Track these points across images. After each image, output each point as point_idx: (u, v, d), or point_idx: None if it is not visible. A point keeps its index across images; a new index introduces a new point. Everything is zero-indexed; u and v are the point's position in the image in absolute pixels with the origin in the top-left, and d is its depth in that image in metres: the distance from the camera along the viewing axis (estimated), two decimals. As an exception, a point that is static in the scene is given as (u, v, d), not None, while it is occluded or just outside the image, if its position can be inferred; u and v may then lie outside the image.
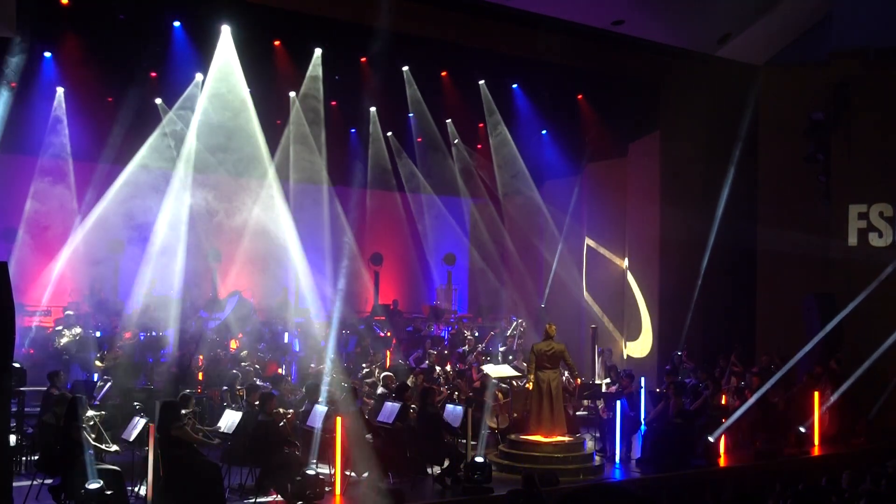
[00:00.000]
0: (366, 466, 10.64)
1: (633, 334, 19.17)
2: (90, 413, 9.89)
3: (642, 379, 14.49)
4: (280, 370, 14.42)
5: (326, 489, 10.11)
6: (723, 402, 14.04)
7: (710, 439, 12.79)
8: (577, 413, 14.20)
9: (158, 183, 16.77)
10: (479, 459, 10.68)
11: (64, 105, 17.35)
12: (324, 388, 11.52)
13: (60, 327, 15.20)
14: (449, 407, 11.89)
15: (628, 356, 19.04)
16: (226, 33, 15.26)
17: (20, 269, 16.44)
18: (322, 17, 14.56)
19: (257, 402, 10.54)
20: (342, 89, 17.52)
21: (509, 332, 17.16)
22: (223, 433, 10.41)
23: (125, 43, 15.14)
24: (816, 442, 13.85)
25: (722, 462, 12.85)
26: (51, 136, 17.37)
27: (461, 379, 13.86)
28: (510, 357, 15.81)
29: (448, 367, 14.17)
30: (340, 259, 17.72)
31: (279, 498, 9.96)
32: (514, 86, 18.59)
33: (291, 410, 10.87)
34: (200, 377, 13.78)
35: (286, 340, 16.64)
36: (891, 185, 15.44)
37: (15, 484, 8.80)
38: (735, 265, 17.05)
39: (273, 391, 11.16)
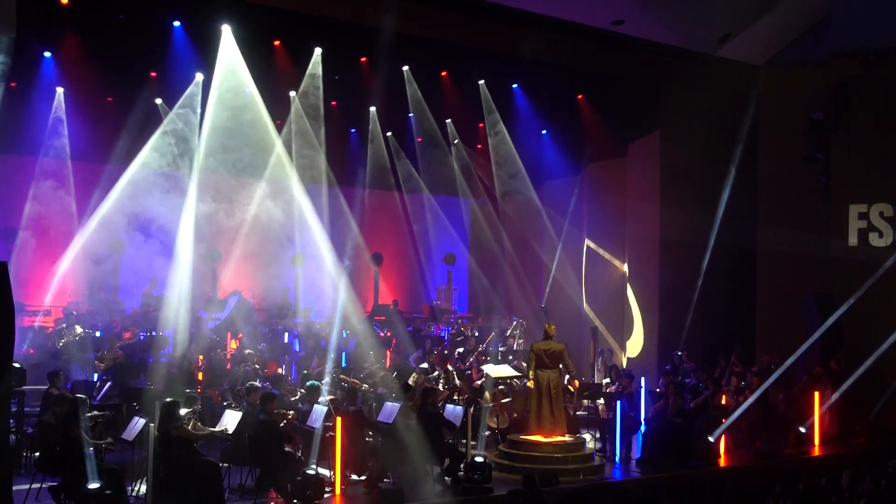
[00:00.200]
0: (366, 466, 10.65)
1: (628, 335, 19.20)
2: (91, 413, 9.88)
3: (642, 379, 14.49)
4: (280, 370, 14.42)
5: (327, 489, 10.12)
6: (723, 402, 14.04)
7: (710, 439, 12.79)
8: (577, 413, 14.19)
9: (162, 183, 16.77)
10: (479, 459, 10.68)
11: (64, 105, 17.35)
12: (325, 389, 11.52)
13: (60, 327, 15.20)
14: (449, 407, 11.90)
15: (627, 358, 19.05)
16: (227, 33, 15.24)
17: (20, 269, 16.44)
18: (322, 17, 14.55)
19: (258, 402, 10.54)
20: (342, 89, 17.51)
21: (509, 332, 17.15)
22: (223, 432, 10.41)
23: (125, 43, 15.14)
24: (816, 442, 13.85)
25: (722, 462, 12.85)
26: (51, 136, 17.38)
27: (461, 379, 13.85)
28: (510, 357, 15.81)
29: (448, 367, 14.16)
30: (342, 259, 17.74)
31: (279, 498, 9.96)
32: (514, 86, 18.59)
33: (292, 412, 10.87)
34: (200, 377, 13.78)
35: (286, 340, 16.64)
36: (891, 185, 15.44)
37: (15, 484, 8.79)
38: (735, 265, 17.05)
39: (273, 391, 11.16)
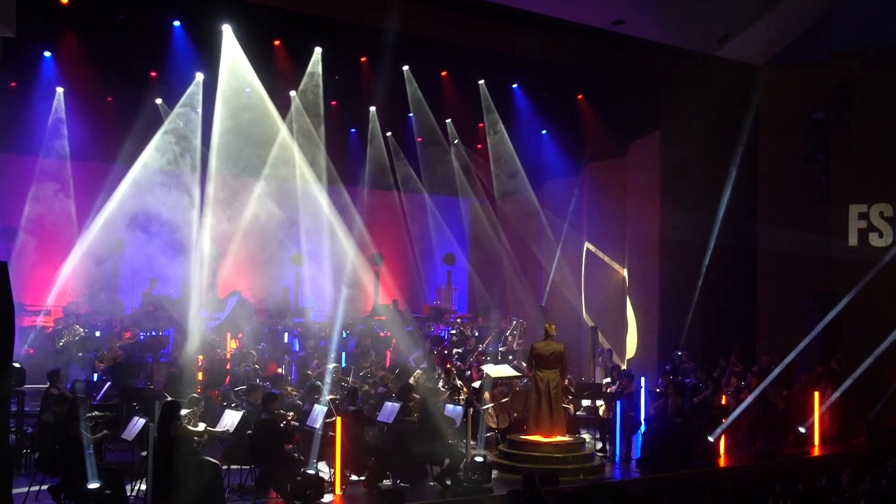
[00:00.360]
0: (366, 466, 10.65)
1: (624, 339, 19.24)
2: (93, 413, 9.88)
3: (642, 379, 14.49)
4: (280, 370, 14.42)
5: (327, 489, 10.12)
6: (723, 402, 14.04)
7: (710, 439, 12.80)
8: (577, 413, 14.20)
9: (165, 182, 16.78)
10: (479, 459, 10.68)
11: (64, 105, 17.35)
12: (325, 388, 11.52)
13: (60, 327, 15.20)
14: (449, 407, 11.89)
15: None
16: (228, 33, 15.24)
17: (20, 269, 16.45)
18: (322, 17, 14.55)
19: (258, 402, 10.54)
20: (342, 89, 17.51)
21: (509, 332, 17.15)
22: (225, 433, 10.41)
23: (125, 43, 15.14)
24: (816, 442, 13.85)
25: (722, 462, 12.85)
26: (51, 136, 17.39)
27: (461, 379, 13.85)
28: (510, 357, 15.81)
29: (449, 367, 14.15)
30: (343, 259, 17.75)
31: (279, 498, 9.97)
32: (514, 86, 18.58)
33: (291, 413, 10.88)
34: (200, 377, 13.79)
35: (286, 340, 16.64)
36: (891, 185, 15.44)
37: (15, 484, 8.79)
38: (735, 265, 17.05)
39: (273, 390, 11.16)
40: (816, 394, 14.04)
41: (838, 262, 15.64)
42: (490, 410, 13.25)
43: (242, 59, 15.48)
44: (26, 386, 12.04)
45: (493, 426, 13.27)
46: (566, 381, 13.14)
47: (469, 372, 14.53)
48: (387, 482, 10.80)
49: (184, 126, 16.71)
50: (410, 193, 21.02)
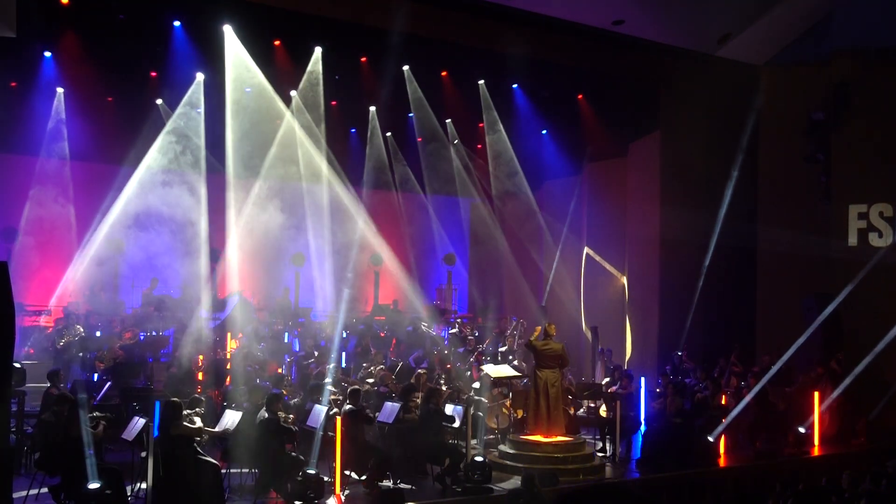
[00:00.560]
0: (366, 466, 10.65)
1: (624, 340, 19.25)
2: (94, 413, 9.88)
3: (642, 379, 14.49)
4: (280, 370, 14.42)
5: (327, 489, 10.12)
6: (723, 402, 14.05)
7: (710, 439, 12.80)
8: (578, 413, 14.20)
9: (171, 182, 16.79)
10: (479, 459, 10.68)
11: (64, 105, 17.35)
12: (327, 388, 11.52)
13: (60, 327, 15.21)
14: (449, 407, 11.89)
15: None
16: (229, 33, 15.24)
17: (20, 269, 16.45)
18: (322, 17, 14.55)
19: (261, 402, 10.54)
20: (342, 89, 17.51)
21: (509, 332, 17.15)
22: (225, 432, 10.41)
23: (125, 43, 15.14)
24: (816, 442, 13.85)
25: (722, 462, 12.85)
26: (51, 136, 17.41)
27: (461, 379, 13.85)
28: (510, 357, 15.81)
29: (448, 367, 14.16)
30: (344, 259, 17.76)
31: (279, 498, 9.96)
32: (514, 86, 18.59)
33: (292, 416, 10.88)
34: (200, 377, 13.79)
35: (286, 340, 16.64)
36: (891, 185, 15.44)
37: (15, 484, 8.78)
38: (735, 265, 17.04)
39: (275, 390, 11.16)
40: (816, 394, 14.04)
41: (838, 262, 15.64)
42: (490, 410, 13.25)
43: (247, 58, 15.50)
44: (26, 386, 12.05)
45: (493, 426, 13.27)
46: (566, 383, 13.15)
47: (469, 372, 14.52)
48: (387, 482, 10.79)
49: (186, 125, 16.71)
50: (410, 193, 21.02)
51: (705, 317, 16.86)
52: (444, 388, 13.16)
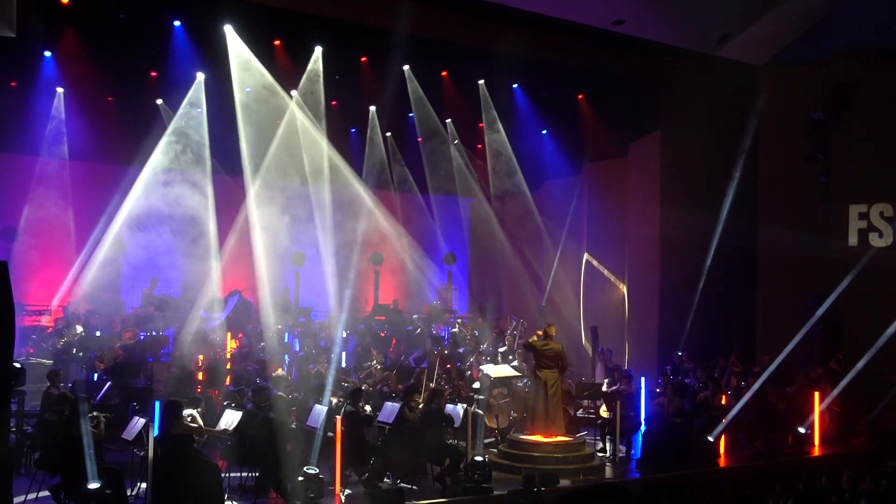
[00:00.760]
0: (366, 466, 10.65)
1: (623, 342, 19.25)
2: (94, 413, 9.87)
3: (642, 379, 14.49)
4: (280, 370, 14.41)
5: (326, 489, 10.12)
6: (723, 402, 14.05)
7: (710, 439, 12.80)
8: (578, 413, 14.19)
9: (175, 182, 16.80)
10: (479, 459, 10.68)
11: (64, 105, 17.35)
12: (328, 388, 11.52)
13: (60, 327, 15.21)
14: (449, 407, 11.89)
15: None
16: (231, 33, 15.24)
17: (20, 269, 16.45)
18: (322, 17, 14.55)
19: (265, 403, 10.55)
20: (342, 89, 17.51)
21: (509, 331, 17.15)
22: (224, 432, 10.42)
23: (125, 43, 15.14)
24: (816, 442, 13.85)
25: (722, 462, 12.85)
26: (51, 136, 17.40)
27: (461, 379, 13.85)
28: (510, 357, 15.80)
29: (448, 367, 14.15)
30: (344, 259, 17.76)
31: (279, 498, 9.96)
32: (515, 86, 18.59)
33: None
34: (200, 377, 13.79)
35: (286, 340, 16.63)
36: (891, 185, 15.44)
37: (15, 484, 8.78)
38: (735, 265, 17.04)
39: (273, 390, 11.17)
40: (816, 394, 14.04)
41: (838, 262, 15.64)
42: (490, 410, 13.24)
43: (252, 58, 15.51)
44: (26, 386, 12.04)
45: (493, 426, 13.27)
46: (566, 385, 13.15)
47: (469, 372, 14.52)
48: (387, 482, 10.79)
49: (189, 126, 16.70)
50: (410, 193, 21.01)
51: (705, 317, 16.86)
52: (445, 387, 13.15)
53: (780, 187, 17.07)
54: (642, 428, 13.46)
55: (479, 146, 20.61)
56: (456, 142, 20.11)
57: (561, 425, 12.28)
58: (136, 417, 9.96)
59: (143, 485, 9.30)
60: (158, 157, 16.79)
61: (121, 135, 17.56)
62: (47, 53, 16.10)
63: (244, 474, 10.49)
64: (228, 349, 15.33)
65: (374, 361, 14.46)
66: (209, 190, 16.84)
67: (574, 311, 20.66)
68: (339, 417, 10.50)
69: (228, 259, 17.62)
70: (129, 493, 9.46)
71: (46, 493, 9.40)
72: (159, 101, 17.55)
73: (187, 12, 14.83)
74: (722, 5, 15.63)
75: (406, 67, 17.29)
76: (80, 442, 8.73)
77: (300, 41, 15.88)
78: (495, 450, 12.48)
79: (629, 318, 19.31)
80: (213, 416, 11.25)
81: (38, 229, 17.48)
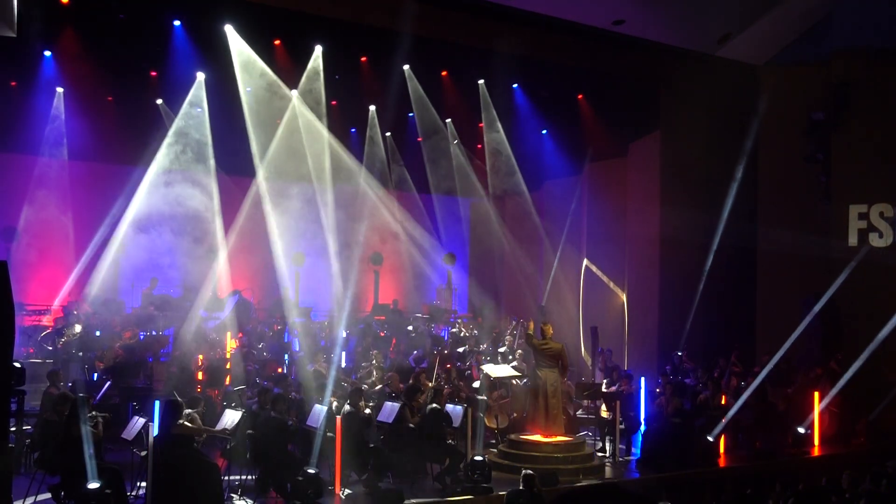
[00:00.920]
0: (366, 466, 10.65)
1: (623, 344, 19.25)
2: (92, 413, 9.87)
3: (642, 379, 14.49)
4: (281, 370, 14.42)
5: (326, 489, 10.12)
6: (723, 402, 14.05)
7: (710, 439, 12.80)
8: (578, 413, 14.20)
9: (179, 183, 16.81)
10: (479, 459, 10.68)
11: (64, 104, 17.34)
12: (328, 388, 11.52)
13: (60, 327, 15.20)
14: (449, 406, 11.89)
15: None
16: (232, 34, 15.24)
17: (20, 269, 16.44)
18: (322, 17, 14.55)
19: (268, 403, 10.54)
20: (342, 89, 17.50)
21: (509, 331, 17.15)
22: (224, 432, 10.41)
23: (125, 42, 15.13)
24: (816, 442, 13.85)
25: (722, 462, 12.85)
26: (50, 136, 17.38)
27: (461, 379, 13.85)
28: (510, 357, 15.80)
29: (448, 367, 14.15)
30: (344, 259, 17.76)
31: (279, 498, 9.96)
32: (515, 86, 18.58)
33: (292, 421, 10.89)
34: (200, 377, 13.79)
35: (286, 340, 16.63)
36: (891, 185, 15.45)
37: (14, 484, 8.77)
38: (735, 265, 17.04)
39: (276, 390, 11.16)
40: (816, 394, 14.04)
41: (838, 262, 15.63)
42: (490, 410, 13.25)
43: (256, 58, 15.51)
44: (26, 386, 12.03)
45: (493, 426, 13.27)
46: (565, 386, 13.15)
47: (469, 372, 14.52)
48: (387, 482, 10.79)
49: (192, 126, 16.70)
50: (410, 193, 21.00)
51: (705, 317, 16.86)
52: (444, 386, 13.15)
53: (780, 187, 17.07)
54: (642, 428, 13.46)
55: (479, 146, 20.61)
56: (456, 142, 20.11)
57: (561, 425, 12.28)
58: (136, 417, 9.96)
59: (143, 484, 9.29)
60: (162, 158, 16.77)
61: (121, 135, 17.55)
62: (47, 53, 16.09)
63: (245, 478, 10.47)
64: (228, 349, 15.33)
65: (374, 361, 14.46)
66: (214, 189, 16.84)
67: (574, 310, 20.66)
68: (339, 418, 10.51)
69: (231, 259, 17.62)
70: (129, 493, 9.46)
71: (46, 493, 9.40)
72: (159, 101, 17.55)
73: (187, 12, 14.82)
74: (722, 5, 15.64)
75: (406, 67, 17.29)
76: (80, 442, 8.73)
77: (300, 41, 15.88)
78: (495, 450, 12.47)
79: (629, 318, 19.31)
80: (213, 416, 11.26)
81: (38, 229, 17.47)
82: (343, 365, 14.81)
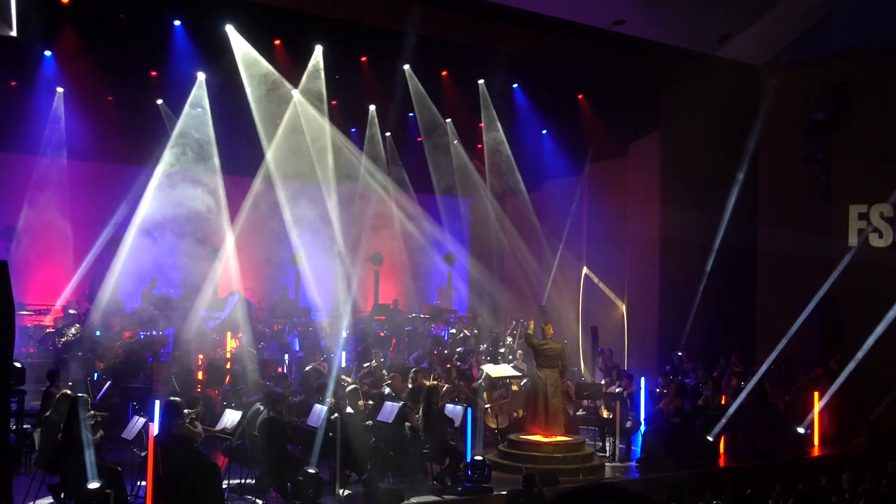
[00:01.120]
0: (366, 466, 10.64)
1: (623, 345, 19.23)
2: (91, 412, 9.88)
3: (642, 379, 14.49)
4: (281, 370, 14.42)
5: (326, 489, 10.12)
6: (723, 402, 14.05)
7: (710, 439, 12.80)
8: (578, 413, 14.20)
9: (183, 183, 16.81)
10: (479, 459, 10.68)
11: (64, 104, 17.34)
12: (329, 388, 11.52)
13: (61, 326, 15.20)
14: (449, 406, 11.89)
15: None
16: (233, 34, 15.24)
17: (19, 268, 16.44)
18: (322, 17, 14.55)
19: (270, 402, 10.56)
20: (342, 89, 17.50)
21: (509, 331, 17.15)
22: (223, 431, 10.42)
23: (125, 42, 15.13)
24: (816, 442, 13.86)
25: (722, 462, 12.85)
26: (50, 135, 17.38)
27: (462, 379, 13.85)
28: (510, 357, 15.81)
29: (448, 367, 14.16)
30: (345, 258, 17.76)
31: (279, 498, 9.96)
32: (515, 86, 18.58)
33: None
34: (200, 376, 13.79)
35: (286, 340, 16.64)
36: (891, 185, 15.44)
37: (14, 483, 8.78)
38: (735, 265, 17.04)
39: (277, 389, 11.16)
40: (816, 394, 14.05)
41: (838, 262, 15.63)
42: (490, 410, 13.25)
43: (258, 57, 15.51)
44: (26, 385, 12.03)
45: (493, 426, 13.27)
46: (565, 386, 13.15)
47: (469, 372, 14.52)
48: (387, 482, 10.79)
49: (193, 126, 16.70)
50: (410, 193, 21.00)
51: (705, 317, 16.86)
52: (444, 385, 13.14)
53: (780, 187, 17.06)
54: (642, 428, 13.46)
55: (479, 146, 20.61)
56: (456, 142, 20.10)
57: (561, 425, 12.28)
58: (136, 417, 9.96)
59: (143, 484, 9.29)
60: (166, 160, 16.76)
61: (121, 135, 17.55)
62: (47, 53, 16.08)
63: (244, 481, 10.47)
64: (228, 349, 15.33)
65: (373, 361, 14.46)
66: (220, 189, 16.84)
67: (574, 310, 20.66)
68: (339, 417, 10.49)
69: (233, 259, 17.61)
70: (129, 493, 9.46)
71: (46, 493, 9.40)
72: (159, 102, 17.54)
73: (187, 12, 14.82)
74: (722, 5, 15.64)
75: (406, 67, 17.29)
76: (80, 442, 8.73)
77: (300, 41, 15.88)
78: (495, 450, 12.48)
79: (629, 318, 19.30)
80: (213, 416, 11.26)
81: (38, 229, 17.47)
82: (343, 365, 14.81)
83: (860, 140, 15.86)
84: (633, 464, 12.64)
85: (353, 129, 20.41)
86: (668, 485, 11.49)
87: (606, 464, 12.45)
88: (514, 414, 13.54)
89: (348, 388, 11.55)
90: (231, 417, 10.47)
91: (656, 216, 17.70)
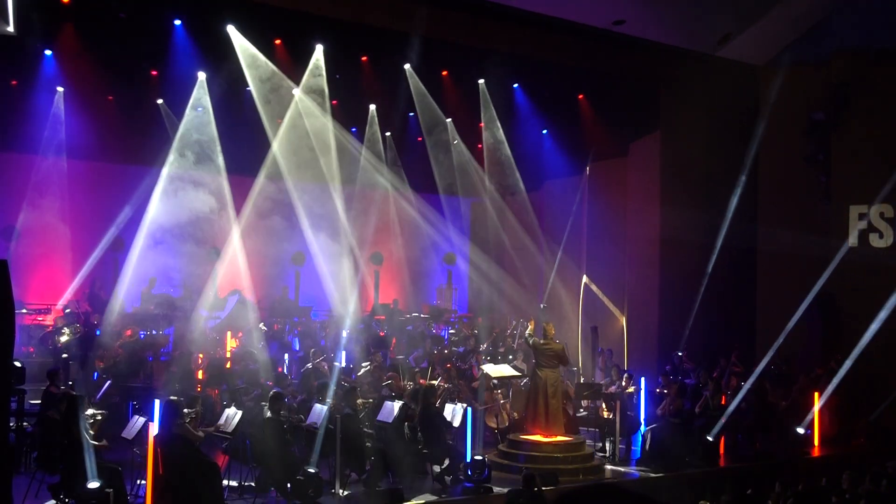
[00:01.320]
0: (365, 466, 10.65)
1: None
2: (90, 411, 9.88)
3: (642, 379, 14.49)
4: (281, 369, 14.41)
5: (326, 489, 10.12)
6: (722, 402, 14.05)
7: (710, 439, 12.80)
8: (578, 413, 14.20)
9: (186, 185, 16.82)
10: (479, 459, 10.68)
11: (64, 103, 17.33)
12: (331, 387, 11.53)
13: (60, 326, 15.20)
14: (449, 406, 11.89)
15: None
16: (234, 34, 15.24)
17: (19, 268, 16.43)
18: (323, 17, 14.54)
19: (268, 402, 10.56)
20: (343, 88, 17.49)
21: (509, 331, 17.15)
22: (221, 429, 10.42)
23: (126, 42, 15.12)
24: (816, 442, 13.86)
25: (722, 462, 12.85)
26: (50, 135, 17.37)
27: (462, 379, 13.85)
28: (510, 357, 15.81)
29: (448, 367, 14.15)
30: (345, 258, 17.77)
31: (279, 497, 9.96)
32: (515, 86, 18.58)
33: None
34: (200, 376, 13.78)
35: (286, 340, 16.63)
36: (891, 185, 15.44)
37: (14, 483, 8.77)
38: (735, 265, 17.04)
39: (276, 389, 11.16)
40: (816, 394, 14.05)
41: (838, 262, 15.62)
42: (490, 410, 13.24)
43: (259, 56, 15.52)
44: (26, 385, 12.04)
45: (493, 426, 13.27)
46: (565, 386, 13.15)
47: (469, 372, 14.52)
48: (386, 481, 10.79)
49: (194, 126, 16.70)
50: (410, 193, 20.99)
51: (705, 317, 16.85)
52: (443, 384, 13.14)
53: (780, 187, 17.07)
54: (642, 428, 13.46)
55: (479, 146, 20.61)
56: (456, 141, 20.10)
57: (561, 425, 12.28)
58: (136, 416, 9.96)
59: (143, 483, 9.29)
60: (170, 161, 16.75)
61: (121, 134, 17.54)
62: (47, 52, 16.06)
63: (244, 483, 10.47)
64: (228, 349, 15.33)
65: (373, 361, 14.46)
66: (226, 188, 16.84)
67: (574, 310, 20.65)
68: (339, 417, 10.50)
69: (234, 259, 17.61)
70: (129, 492, 9.46)
71: (46, 492, 9.40)
72: (160, 101, 17.53)
73: (188, 11, 14.81)
74: (722, 5, 15.64)
75: (407, 66, 17.28)
76: (80, 441, 8.74)
77: (301, 40, 15.88)
78: (495, 450, 12.48)
79: (629, 318, 19.28)
80: (212, 416, 11.25)
81: (38, 229, 17.45)
82: (343, 364, 14.80)
83: (860, 140, 15.87)
84: (633, 464, 12.64)
85: (353, 129, 20.41)
86: (668, 485, 11.49)
87: (606, 464, 12.44)
88: (514, 414, 13.53)
89: (348, 389, 11.55)
90: (231, 416, 10.46)
91: (656, 216, 17.69)
